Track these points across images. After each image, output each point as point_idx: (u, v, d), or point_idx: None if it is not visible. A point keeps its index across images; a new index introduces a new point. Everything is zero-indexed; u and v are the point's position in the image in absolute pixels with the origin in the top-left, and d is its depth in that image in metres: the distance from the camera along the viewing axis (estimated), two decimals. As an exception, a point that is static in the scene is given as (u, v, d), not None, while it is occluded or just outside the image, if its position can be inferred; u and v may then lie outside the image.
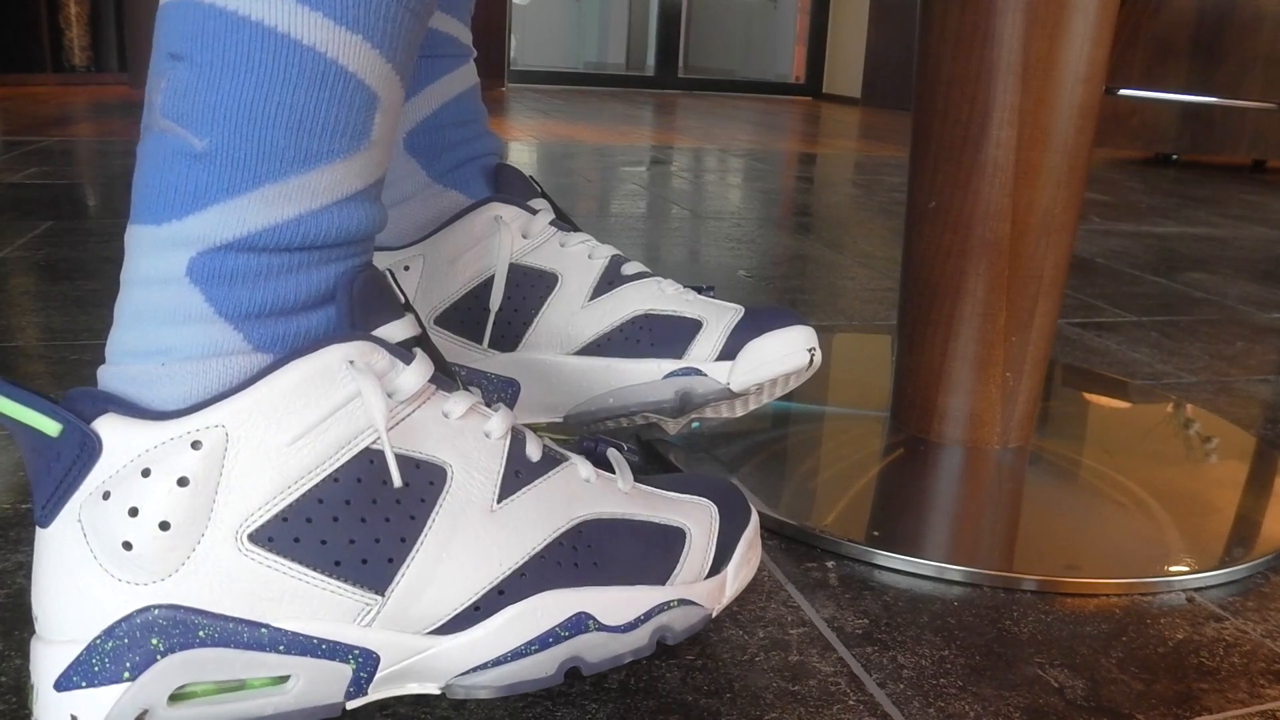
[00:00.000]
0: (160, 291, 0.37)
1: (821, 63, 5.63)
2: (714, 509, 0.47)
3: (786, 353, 0.60)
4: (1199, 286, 1.36)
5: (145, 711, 0.36)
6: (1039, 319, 0.69)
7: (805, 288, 1.21)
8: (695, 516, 0.47)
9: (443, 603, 0.40)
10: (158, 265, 0.37)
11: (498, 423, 0.42)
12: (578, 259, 0.63)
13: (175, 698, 0.36)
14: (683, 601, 0.45)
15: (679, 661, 0.47)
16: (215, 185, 0.36)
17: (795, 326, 0.61)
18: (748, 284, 1.21)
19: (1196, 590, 0.56)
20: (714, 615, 0.47)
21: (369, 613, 0.38)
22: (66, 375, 0.78)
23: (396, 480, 0.38)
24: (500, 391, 0.63)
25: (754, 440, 0.70)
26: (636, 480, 0.47)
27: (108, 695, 0.35)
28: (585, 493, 0.44)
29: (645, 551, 0.44)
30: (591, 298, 0.62)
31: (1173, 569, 0.56)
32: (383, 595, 0.38)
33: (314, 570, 0.37)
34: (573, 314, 0.62)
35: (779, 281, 1.24)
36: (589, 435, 0.48)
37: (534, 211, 0.64)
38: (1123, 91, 2.77)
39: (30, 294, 1.01)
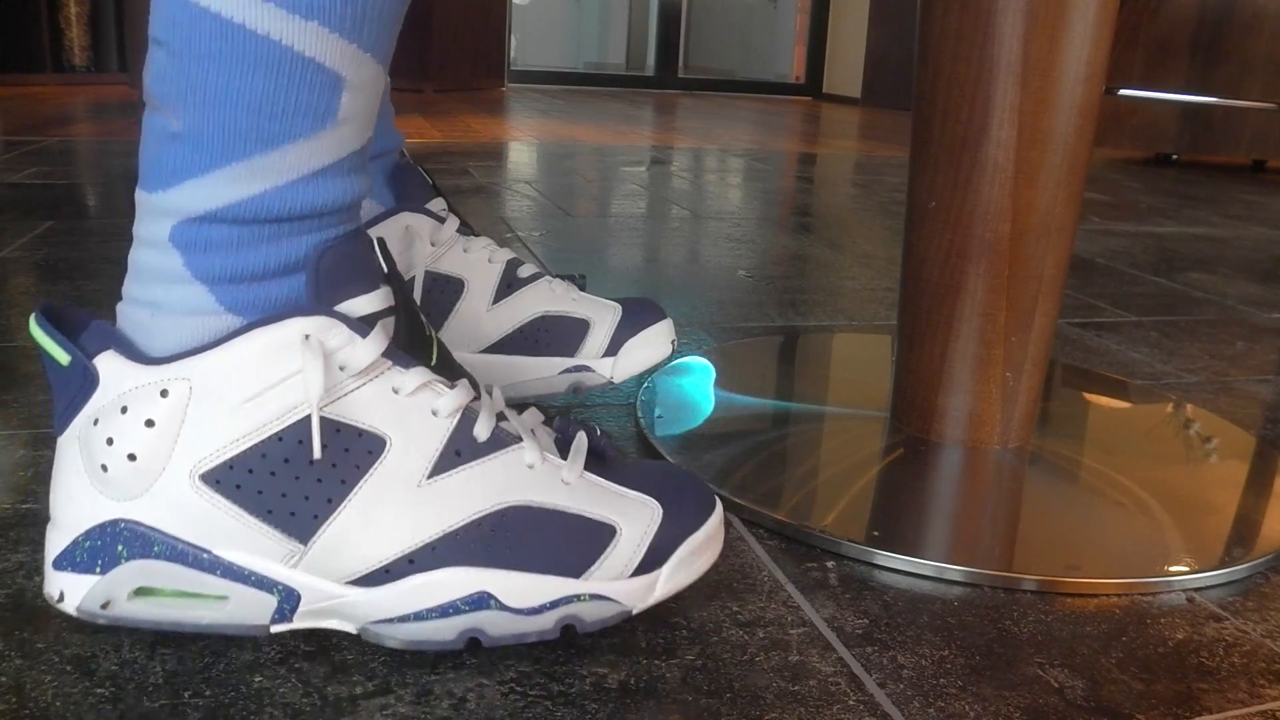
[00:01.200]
0: (150, 251, 0.43)
1: (821, 63, 5.63)
2: (657, 510, 0.47)
3: (656, 347, 0.73)
4: (1199, 286, 1.36)
5: (109, 601, 0.44)
6: (1039, 319, 0.69)
7: (805, 288, 1.21)
8: (632, 515, 0.46)
9: (357, 560, 0.44)
10: (150, 228, 0.43)
11: (448, 401, 0.45)
12: (480, 264, 0.71)
13: (136, 593, 0.44)
14: (595, 596, 0.45)
15: (679, 661, 0.47)
16: (188, 163, 0.41)
17: (660, 323, 0.73)
18: (748, 284, 1.21)
19: (1196, 590, 0.56)
20: (635, 612, 0.46)
21: (293, 557, 0.44)
22: (66, 375, 0.78)
23: (317, 453, 0.42)
24: None
25: (754, 440, 0.70)
26: (594, 468, 0.48)
27: (85, 582, 0.43)
28: (522, 479, 0.46)
29: (564, 543, 0.45)
30: (495, 301, 0.71)
31: (1173, 569, 0.56)
32: (305, 545, 0.43)
33: (250, 514, 0.43)
34: (479, 317, 0.71)
35: (779, 281, 1.24)
36: (564, 415, 0.50)
37: (441, 220, 0.70)
38: (1123, 91, 2.77)
39: (30, 294, 1.01)
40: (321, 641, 0.46)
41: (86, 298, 1.00)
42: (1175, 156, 3.05)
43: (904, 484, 0.66)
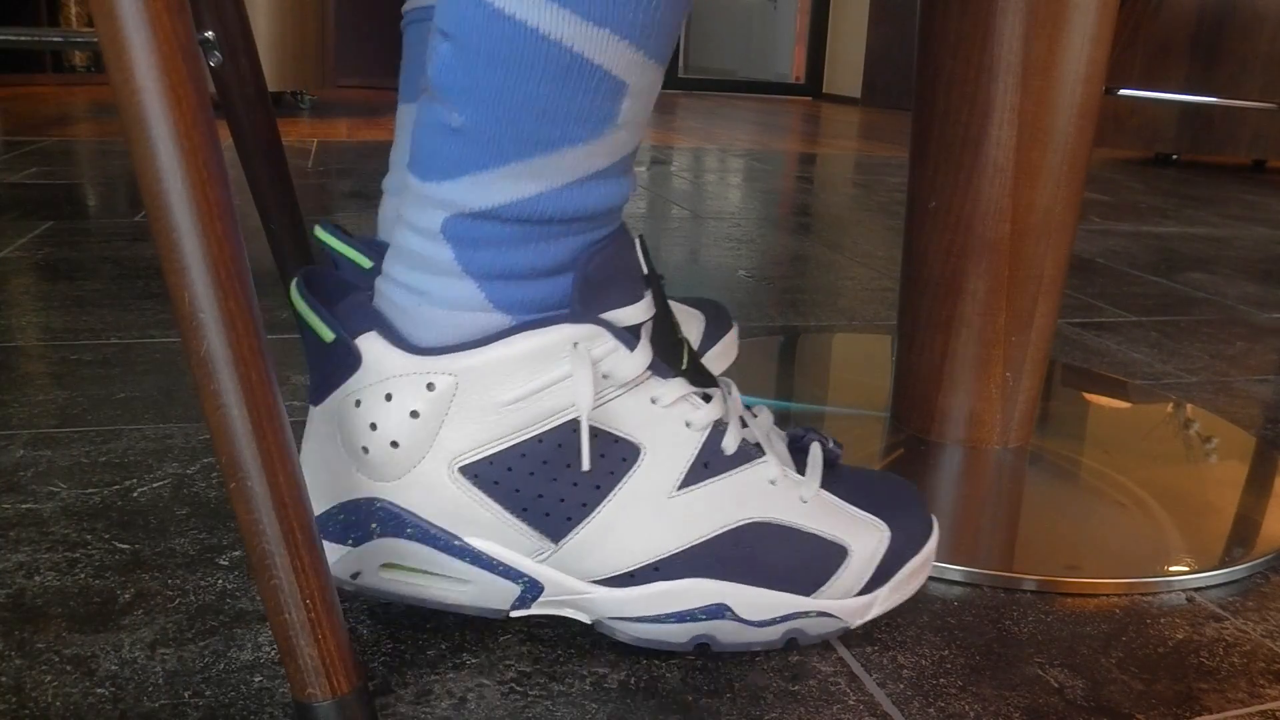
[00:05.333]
0: (420, 240, 0.43)
1: (821, 63, 5.63)
2: (886, 533, 0.48)
3: (727, 356, 0.74)
4: (1199, 286, 1.36)
5: (358, 573, 0.45)
6: (1039, 319, 0.69)
7: (805, 288, 1.21)
8: (864, 537, 0.48)
9: (605, 564, 0.45)
10: (421, 216, 0.43)
11: (703, 415, 0.45)
12: None
13: (383, 567, 0.45)
14: (822, 613, 0.47)
15: (679, 661, 0.47)
16: (467, 160, 0.40)
17: (731, 331, 0.77)
18: (748, 284, 1.21)
19: (1196, 590, 0.56)
20: (853, 627, 0.48)
21: (542, 554, 0.45)
22: (66, 375, 0.78)
23: (585, 464, 0.42)
24: None
25: (754, 440, 0.70)
26: (826, 480, 0.49)
27: (335, 550, 0.45)
28: (764, 495, 0.46)
29: (800, 562, 0.46)
30: None
31: (1173, 569, 0.56)
32: (557, 544, 0.44)
33: (505, 510, 0.44)
34: None
35: (779, 281, 1.24)
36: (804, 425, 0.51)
37: None
38: (1123, 91, 2.77)
39: (30, 294, 1.01)
40: (321, 641, 0.46)
41: (86, 298, 1.00)
42: (1175, 156, 3.05)
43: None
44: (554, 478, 0.43)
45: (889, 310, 1.12)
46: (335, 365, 0.43)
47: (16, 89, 3.35)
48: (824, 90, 5.62)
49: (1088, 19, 0.63)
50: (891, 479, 0.52)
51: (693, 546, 0.45)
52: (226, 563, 0.53)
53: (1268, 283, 1.42)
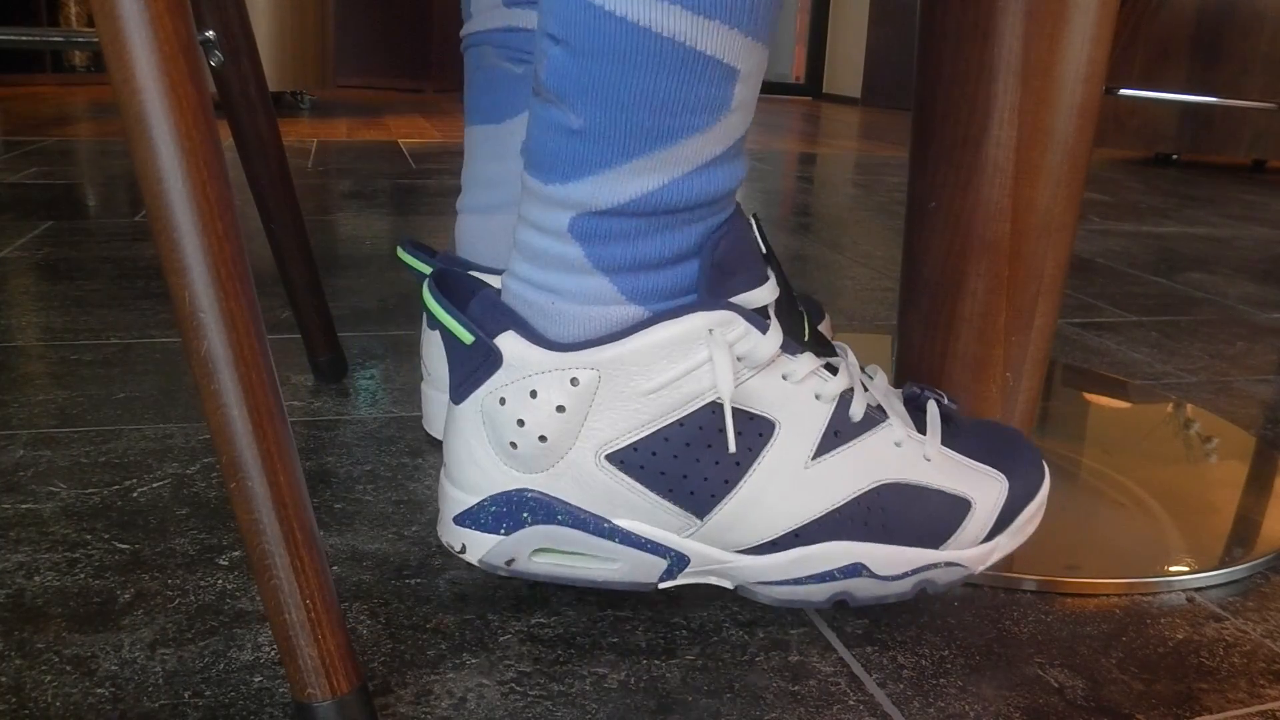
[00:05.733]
0: (547, 240, 0.44)
1: (821, 63, 5.62)
2: (1004, 483, 0.50)
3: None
4: (1199, 286, 1.36)
5: (513, 559, 0.47)
6: (1039, 319, 0.69)
7: (805, 288, 1.21)
8: (985, 489, 0.50)
9: (749, 535, 0.47)
10: (545, 217, 0.44)
11: (832, 387, 0.47)
12: None
13: (535, 551, 0.47)
14: (949, 564, 0.49)
15: (679, 661, 0.47)
16: (590, 160, 0.42)
17: (824, 321, 0.78)
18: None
19: (1196, 590, 0.56)
20: (977, 572, 0.50)
21: (689, 529, 0.47)
22: (66, 375, 0.78)
23: (732, 446, 0.43)
24: None
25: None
26: (945, 436, 0.51)
27: (488, 540, 0.47)
28: (892, 457, 0.48)
29: (930, 518, 0.48)
30: None
31: (1173, 569, 0.56)
32: (702, 520, 0.46)
33: (652, 491, 0.45)
34: None
35: (779, 281, 1.23)
36: (916, 383, 0.54)
37: None
38: (1123, 91, 2.77)
39: (30, 294, 1.01)
40: (321, 641, 0.46)
41: (86, 298, 1.00)
42: (1175, 156, 3.05)
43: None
44: (697, 458, 0.45)
45: (889, 310, 1.12)
46: (476, 365, 0.45)
47: (16, 89, 3.35)
48: (824, 90, 5.61)
49: (1088, 19, 0.63)
50: (1003, 429, 0.54)
51: (830, 512, 0.47)
52: (226, 563, 0.53)
53: (1268, 283, 1.42)
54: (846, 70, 5.38)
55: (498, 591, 0.52)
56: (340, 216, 1.50)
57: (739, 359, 0.44)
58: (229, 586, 0.51)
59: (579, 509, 0.46)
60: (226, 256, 0.34)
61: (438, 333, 0.61)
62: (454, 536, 0.48)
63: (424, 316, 0.46)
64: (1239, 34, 2.73)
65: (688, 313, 0.43)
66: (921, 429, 0.51)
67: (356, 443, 0.69)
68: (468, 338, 0.44)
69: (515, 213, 0.63)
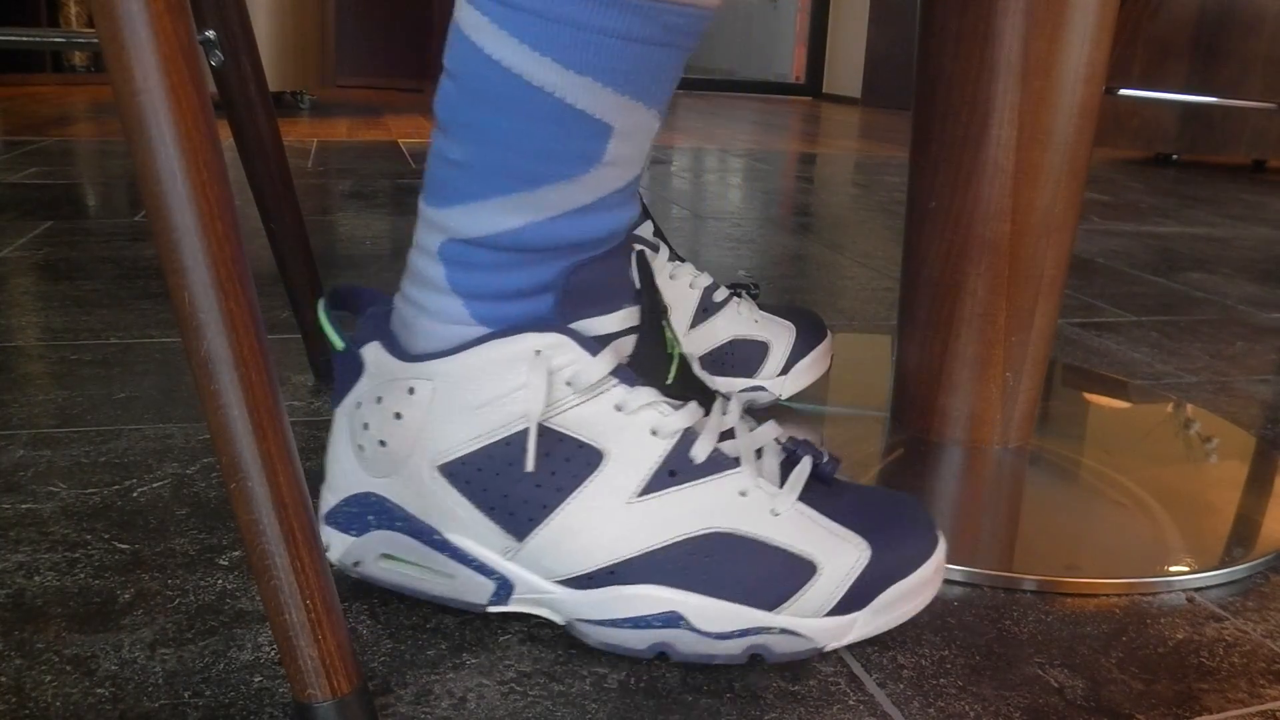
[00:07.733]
0: (424, 258, 0.46)
1: (821, 63, 5.62)
2: (865, 550, 0.46)
3: (819, 366, 0.77)
4: (1199, 286, 1.36)
5: (359, 561, 0.48)
6: (1039, 319, 0.69)
7: (805, 288, 1.21)
8: (838, 554, 0.46)
9: (565, 564, 0.46)
10: (426, 238, 0.46)
11: (671, 422, 0.46)
12: (682, 289, 0.75)
13: (382, 556, 0.48)
14: (786, 631, 0.46)
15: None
16: (462, 190, 0.44)
17: (824, 341, 0.78)
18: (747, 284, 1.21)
19: (1196, 590, 0.56)
20: (826, 650, 0.47)
21: (510, 551, 0.47)
22: (66, 375, 0.78)
23: (530, 465, 0.44)
24: None
25: (754, 440, 0.70)
26: (813, 496, 0.48)
27: (343, 540, 0.49)
28: (732, 505, 0.46)
29: (763, 576, 0.45)
30: (692, 325, 0.75)
31: (1173, 569, 0.56)
32: (521, 542, 0.46)
33: (476, 507, 0.46)
34: (680, 336, 0.73)
35: (779, 281, 1.24)
36: (797, 439, 0.50)
37: (655, 248, 0.74)
38: (1123, 91, 2.77)
39: (30, 294, 1.01)
40: (321, 641, 0.46)
41: (86, 298, 1.00)
42: (1175, 156, 3.05)
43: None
44: (518, 479, 0.45)
45: (889, 310, 1.12)
46: (347, 371, 0.48)
47: (16, 89, 3.35)
48: (824, 90, 5.61)
49: (1088, 19, 0.63)
50: (897, 497, 0.50)
51: (649, 552, 0.45)
52: (226, 563, 0.53)
53: (1268, 283, 1.42)
54: (846, 70, 5.38)
55: (498, 591, 0.52)
56: (340, 216, 1.50)
57: (568, 384, 0.45)
58: (229, 586, 0.51)
59: (415, 518, 0.47)
60: (226, 257, 0.34)
61: None
62: (324, 535, 0.49)
63: None
64: (1239, 34, 2.73)
65: (518, 333, 0.44)
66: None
67: (356, 443, 0.69)
68: (339, 344, 0.47)
69: None
